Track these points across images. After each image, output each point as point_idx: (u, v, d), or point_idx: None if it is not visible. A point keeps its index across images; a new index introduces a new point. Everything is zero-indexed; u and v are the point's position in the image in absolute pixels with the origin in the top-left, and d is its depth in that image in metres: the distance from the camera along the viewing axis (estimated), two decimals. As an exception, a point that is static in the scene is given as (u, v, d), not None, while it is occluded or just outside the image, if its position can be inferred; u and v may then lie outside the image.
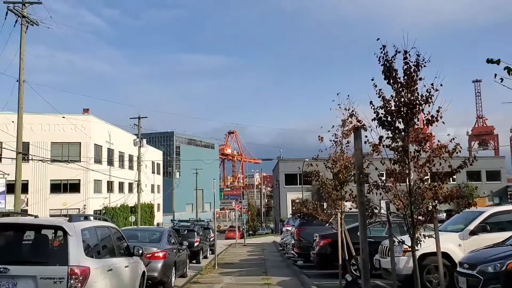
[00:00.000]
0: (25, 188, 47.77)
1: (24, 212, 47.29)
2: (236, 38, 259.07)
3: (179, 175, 76.78)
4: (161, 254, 12.67)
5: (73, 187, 48.61)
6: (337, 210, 12.27)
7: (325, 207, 13.42)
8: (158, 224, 68.42)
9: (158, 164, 74.12)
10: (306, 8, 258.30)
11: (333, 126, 12.25)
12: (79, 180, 48.23)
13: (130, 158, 57.80)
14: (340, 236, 12.08)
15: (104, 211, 51.47)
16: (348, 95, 12.02)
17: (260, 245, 33.66)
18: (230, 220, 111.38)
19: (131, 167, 58.00)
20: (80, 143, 48.48)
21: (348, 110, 12.00)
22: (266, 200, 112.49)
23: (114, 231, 8.81)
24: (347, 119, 12.13)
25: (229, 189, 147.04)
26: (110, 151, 53.69)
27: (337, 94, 11.95)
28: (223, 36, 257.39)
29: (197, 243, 21.01)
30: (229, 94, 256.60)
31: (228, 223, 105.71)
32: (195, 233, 21.17)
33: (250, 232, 77.43)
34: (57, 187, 48.39)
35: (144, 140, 50.65)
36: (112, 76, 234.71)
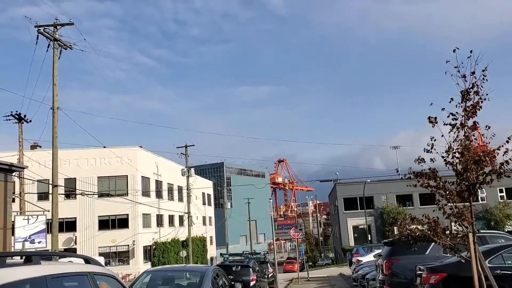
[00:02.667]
0: (73, 225, 45.64)
1: (70, 252, 44.91)
2: (284, 67, 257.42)
3: (231, 206, 72.98)
4: (202, 307, 8.65)
5: (122, 222, 45.80)
6: (467, 229, 7.82)
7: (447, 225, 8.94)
8: (212, 259, 64.59)
9: (209, 195, 70.75)
10: (351, 30, 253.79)
11: (451, 99, 7.94)
12: (127, 214, 45.39)
13: (179, 189, 54.62)
14: (475, 267, 7.60)
15: (154, 246, 48.23)
16: (471, 51, 7.79)
17: (327, 280, 28.82)
18: (286, 251, 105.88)
19: (180, 199, 54.77)
20: (127, 176, 45.86)
21: (473, 74, 7.79)
22: (322, 229, 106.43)
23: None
24: (473, 86, 7.87)
25: (283, 218, 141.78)
26: (158, 183, 50.79)
27: (453, 50, 7.75)
28: (272, 66, 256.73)
29: (254, 281, 16.78)
30: (278, 124, 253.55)
31: (284, 254, 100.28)
32: (250, 269, 16.96)
33: (310, 263, 71.93)
34: (105, 223, 45.72)
35: (193, 170, 47.38)
36: (165, 114, 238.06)
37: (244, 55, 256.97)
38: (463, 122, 7.85)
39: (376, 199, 53.47)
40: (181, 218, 54.20)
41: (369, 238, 48.11)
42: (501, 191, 52.26)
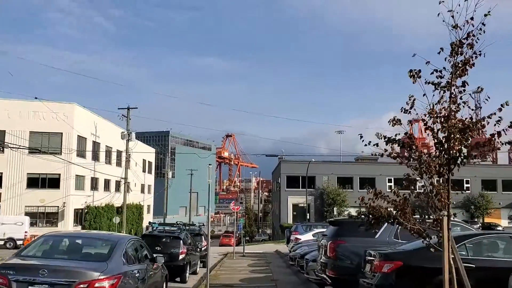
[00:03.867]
0: (-3, 181, 41.95)
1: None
2: (248, 45, 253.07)
3: (172, 176, 70.50)
4: (106, 285, 6.69)
5: (53, 182, 42.52)
6: (442, 212, 6.31)
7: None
8: (147, 228, 62.17)
9: (150, 163, 67.83)
10: (319, 15, 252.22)
11: (440, 50, 6.31)
12: (59, 174, 42.16)
13: (119, 154, 51.45)
14: (447, 258, 6.11)
15: (86, 210, 45.30)
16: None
17: (262, 256, 27.51)
18: (225, 225, 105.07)
19: (119, 164, 51.66)
20: (61, 133, 42.37)
21: (471, 20, 6.23)
22: (262, 205, 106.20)
23: None
24: (469, 36, 6.29)
25: (225, 192, 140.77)
26: (96, 145, 47.55)
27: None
28: (232, 41, 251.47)
29: (183, 255, 14.92)
30: (227, 100, 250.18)
31: (222, 228, 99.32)
32: (181, 241, 15.06)
33: (247, 238, 71.21)
34: (34, 182, 42.26)
35: (133, 134, 44.24)
36: (118, 77, 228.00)
37: (211, 25, 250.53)
38: (450, 80, 6.25)
39: (318, 179, 52.98)
40: (118, 184, 51.22)
41: (308, 217, 47.55)
42: (437, 181, 53.18)
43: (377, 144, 6.63)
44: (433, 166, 6.12)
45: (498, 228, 39.52)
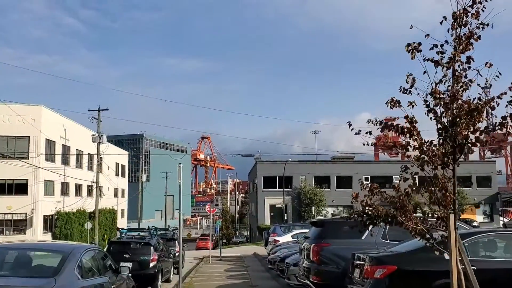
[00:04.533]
0: (-40, 188, 39.68)
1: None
2: (216, 44, 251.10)
3: (147, 179, 68.70)
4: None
5: (20, 188, 40.42)
6: (448, 209, 5.39)
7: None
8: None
9: (123, 166, 65.80)
10: (289, 17, 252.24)
11: (443, 18, 5.40)
12: (27, 180, 40.08)
13: (90, 157, 49.52)
14: (455, 261, 5.20)
15: (56, 216, 43.31)
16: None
17: (240, 260, 26.36)
18: (201, 228, 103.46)
19: (90, 168, 49.76)
20: (28, 137, 40.32)
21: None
22: (239, 207, 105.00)
23: None
24: (474, 3, 5.41)
25: (201, 195, 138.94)
26: (66, 148, 45.57)
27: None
28: (203, 41, 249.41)
29: (154, 262, 13.72)
30: (203, 101, 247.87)
31: (199, 231, 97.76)
32: (152, 247, 13.86)
33: (224, 241, 69.93)
34: (0, 188, 40.10)
35: (104, 136, 42.54)
36: (86, 78, 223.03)
37: (177, 26, 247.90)
38: (453, 55, 5.34)
39: (295, 179, 52.15)
40: (90, 188, 49.35)
41: (285, 218, 46.65)
42: (414, 179, 52.98)
43: (370, 132, 5.68)
44: (438, 153, 5.19)
45: (473, 225, 39.48)
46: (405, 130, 5.31)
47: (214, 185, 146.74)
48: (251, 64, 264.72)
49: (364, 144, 5.91)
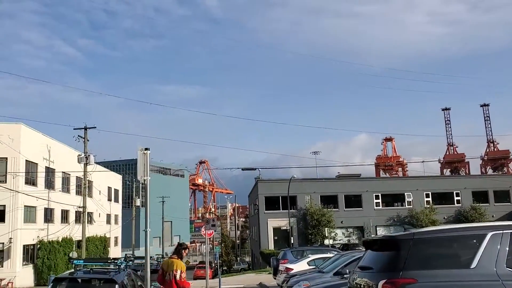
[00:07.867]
0: None
1: None
2: (211, 70, 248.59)
3: (141, 204, 63.67)
4: None
5: (-4, 215, 35.66)
6: None
7: None
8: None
9: (117, 191, 60.90)
10: (283, 41, 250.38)
11: None
12: (4, 206, 35.34)
13: (78, 181, 44.82)
14: None
15: (38, 245, 38.31)
16: None
17: (244, 292, 21.50)
18: (201, 254, 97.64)
19: (79, 192, 44.88)
20: (6, 158, 35.78)
21: None
22: (239, 231, 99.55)
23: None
24: None
25: (200, 220, 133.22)
26: (50, 171, 40.91)
27: None
28: (199, 68, 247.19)
29: (119, 309, 9.02)
30: (201, 126, 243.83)
31: (199, 257, 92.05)
32: (116, 286, 9.18)
33: (224, 268, 64.51)
34: (-25, 216, 35.32)
35: (92, 157, 38.05)
36: (84, 107, 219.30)
37: (175, 53, 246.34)
38: None
39: (300, 199, 47.33)
40: (78, 214, 44.44)
41: (291, 241, 41.66)
42: (427, 195, 48.38)
43: None
44: None
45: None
46: None
47: (213, 209, 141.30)
48: (248, 88, 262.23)
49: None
